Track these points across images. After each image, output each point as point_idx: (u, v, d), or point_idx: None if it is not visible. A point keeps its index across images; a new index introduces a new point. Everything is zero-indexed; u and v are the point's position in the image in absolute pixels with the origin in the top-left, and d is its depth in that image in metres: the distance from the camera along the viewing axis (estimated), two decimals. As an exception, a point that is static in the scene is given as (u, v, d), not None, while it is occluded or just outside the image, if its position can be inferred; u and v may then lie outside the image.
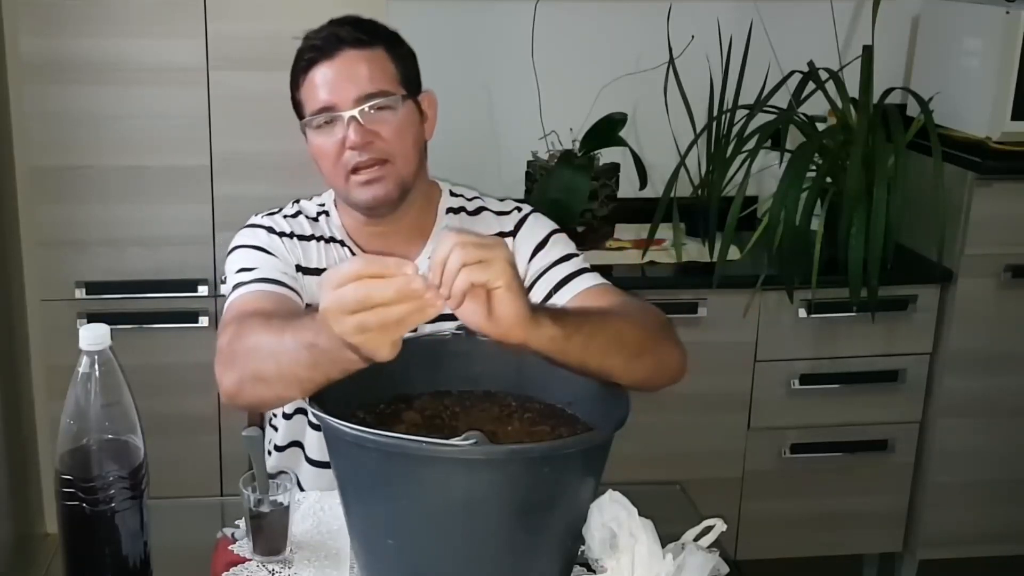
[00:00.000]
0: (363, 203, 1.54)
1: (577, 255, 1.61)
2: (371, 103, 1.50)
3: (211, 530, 1.43)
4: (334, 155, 1.51)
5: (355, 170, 1.50)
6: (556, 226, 1.66)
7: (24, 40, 2.35)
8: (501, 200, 1.70)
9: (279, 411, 1.67)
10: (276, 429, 1.68)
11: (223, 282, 1.58)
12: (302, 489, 1.64)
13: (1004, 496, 2.82)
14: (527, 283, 1.58)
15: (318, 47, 1.51)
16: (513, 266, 1.11)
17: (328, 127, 1.51)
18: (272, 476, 1.33)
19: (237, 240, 1.60)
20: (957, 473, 2.78)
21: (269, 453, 1.68)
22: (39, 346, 2.55)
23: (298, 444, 1.66)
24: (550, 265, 1.58)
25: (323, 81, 1.51)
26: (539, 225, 1.65)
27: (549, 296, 1.55)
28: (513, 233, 1.64)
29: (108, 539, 1.17)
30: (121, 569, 1.19)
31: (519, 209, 1.67)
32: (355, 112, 1.49)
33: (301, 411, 1.63)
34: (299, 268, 1.58)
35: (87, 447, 1.15)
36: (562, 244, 1.62)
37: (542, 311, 1.17)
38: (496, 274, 1.09)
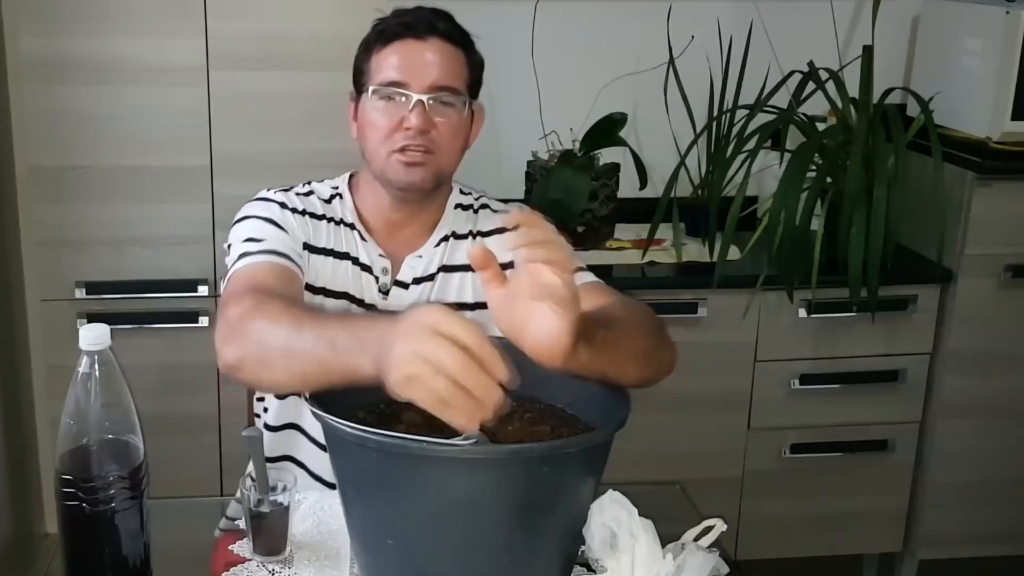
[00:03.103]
0: (398, 183, 1.55)
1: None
2: (441, 94, 1.53)
3: (211, 530, 1.43)
4: (387, 130, 1.53)
5: (402, 150, 1.52)
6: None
7: (24, 40, 2.35)
8: (504, 203, 1.73)
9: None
10: (266, 410, 1.68)
11: (227, 248, 1.56)
12: (305, 469, 1.64)
13: (1004, 496, 2.82)
14: None
15: (410, 24, 1.54)
16: (577, 300, 1.14)
17: (390, 102, 1.53)
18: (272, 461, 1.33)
19: (247, 210, 1.60)
20: (957, 473, 2.78)
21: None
22: (39, 346, 2.55)
23: (296, 427, 1.66)
24: None
25: (403, 58, 1.53)
26: None
27: None
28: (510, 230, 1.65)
29: (108, 539, 1.17)
30: (121, 569, 1.19)
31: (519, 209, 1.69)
32: (424, 97, 1.51)
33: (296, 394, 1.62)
34: (307, 246, 1.58)
35: (87, 447, 1.15)
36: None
37: (580, 339, 1.17)
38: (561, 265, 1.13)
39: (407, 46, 1.53)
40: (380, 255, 1.62)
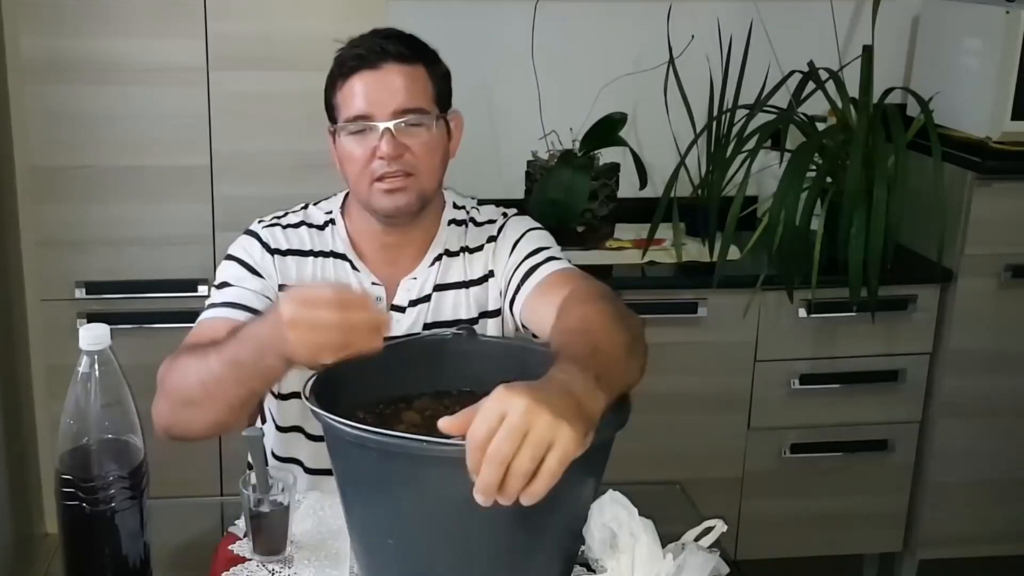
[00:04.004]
0: (383, 210, 1.56)
1: (547, 248, 1.63)
2: (406, 118, 1.53)
3: (211, 530, 1.43)
4: (363, 162, 1.54)
5: (380, 178, 1.53)
6: (535, 224, 1.68)
7: (24, 40, 2.35)
8: (496, 207, 1.72)
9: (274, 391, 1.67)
10: (271, 411, 1.69)
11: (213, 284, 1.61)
12: (304, 468, 1.65)
13: (1004, 496, 2.82)
14: (505, 280, 1.62)
15: (362, 56, 1.53)
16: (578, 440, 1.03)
17: (360, 135, 1.54)
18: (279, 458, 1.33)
19: (234, 248, 1.62)
20: (957, 473, 2.78)
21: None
22: (39, 346, 2.55)
23: (299, 429, 1.67)
24: (521, 260, 1.61)
25: (363, 90, 1.53)
26: (518, 225, 1.67)
27: (519, 288, 1.58)
28: (495, 238, 1.67)
29: (108, 539, 1.17)
30: (121, 569, 1.19)
31: (505, 215, 1.70)
32: (390, 124, 1.52)
33: (296, 395, 1.63)
34: (285, 288, 1.59)
35: (87, 447, 1.15)
36: (535, 240, 1.64)
37: (586, 397, 1.07)
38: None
39: (363, 78, 1.53)
40: (373, 283, 1.62)
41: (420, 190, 1.56)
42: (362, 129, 1.53)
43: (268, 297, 1.57)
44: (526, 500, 1.00)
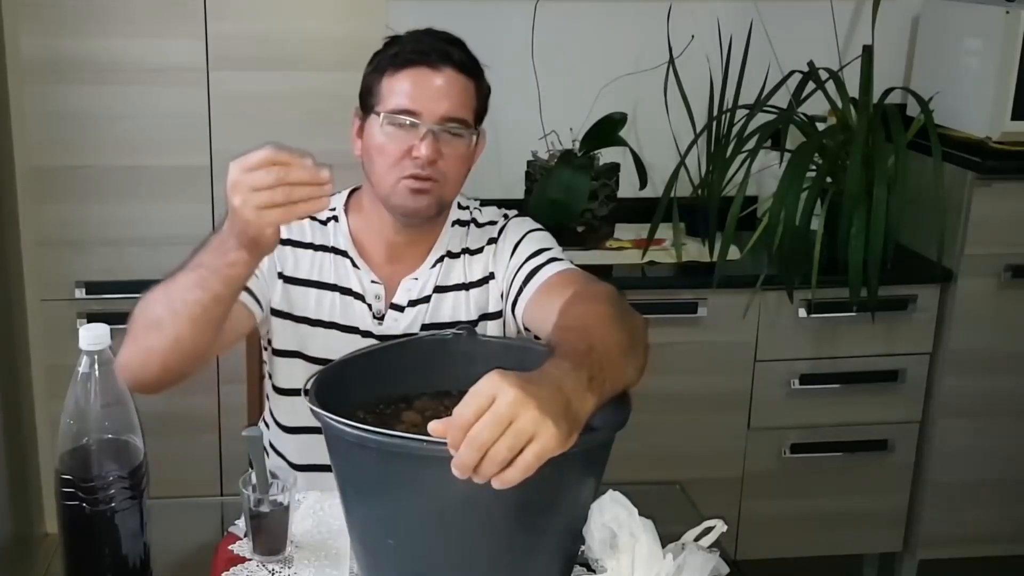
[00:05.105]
0: (402, 208, 1.56)
1: (549, 249, 1.63)
2: (450, 126, 1.53)
3: (211, 530, 1.43)
4: (395, 156, 1.53)
5: (408, 176, 1.53)
6: (536, 226, 1.69)
7: (24, 40, 2.35)
8: (498, 208, 1.73)
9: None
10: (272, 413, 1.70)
11: None
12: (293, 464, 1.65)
13: (1004, 496, 2.82)
14: (507, 283, 1.63)
15: (424, 52, 1.53)
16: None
17: (399, 128, 1.53)
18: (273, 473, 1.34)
19: None
20: (957, 473, 2.78)
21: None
22: (39, 346, 2.55)
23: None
24: (523, 262, 1.61)
25: (416, 86, 1.52)
26: (519, 227, 1.68)
27: (520, 290, 1.59)
28: (496, 240, 1.67)
29: (108, 539, 1.17)
30: (121, 569, 1.19)
31: (506, 216, 1.71)
32: (435, 128, 1.52)
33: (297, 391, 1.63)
34: (282, 276, 1.60)
35: (87, 447, 1.15)
36: (536, 241, 1.65)
37: (576, 396, 1.07)
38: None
39: (420, 74, 1.53)
40: (373, 281, 1.62)
41: (441, 197, 1.56)
42: (403, 124, 1.52)
43: (259, 283, 1.57)
44: (497, 484, 1.00)
